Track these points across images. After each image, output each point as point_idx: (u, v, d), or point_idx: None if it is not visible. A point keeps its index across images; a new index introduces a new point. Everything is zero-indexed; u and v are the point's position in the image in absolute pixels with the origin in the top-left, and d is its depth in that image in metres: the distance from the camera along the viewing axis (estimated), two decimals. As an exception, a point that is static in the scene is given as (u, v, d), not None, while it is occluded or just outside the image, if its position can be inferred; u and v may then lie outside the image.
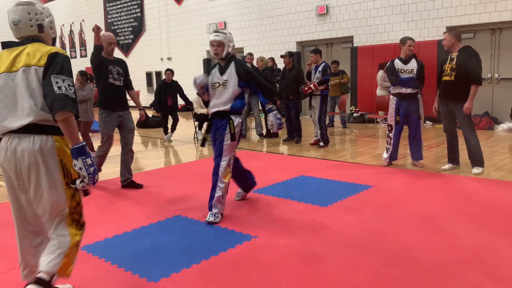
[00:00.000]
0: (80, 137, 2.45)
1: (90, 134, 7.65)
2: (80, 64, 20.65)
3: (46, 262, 2.29)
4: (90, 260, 3.24)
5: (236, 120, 4.04)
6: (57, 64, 2.24)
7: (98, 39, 5.04)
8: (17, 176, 2.33)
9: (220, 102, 4.05)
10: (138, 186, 5.40)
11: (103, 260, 3.22)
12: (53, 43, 2.50)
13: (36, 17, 2.35)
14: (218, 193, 4.00)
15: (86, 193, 2.47)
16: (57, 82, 2.20)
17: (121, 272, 3.02)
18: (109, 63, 5.21)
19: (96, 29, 5.02)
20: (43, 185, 2.30)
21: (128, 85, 5.43)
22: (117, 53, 18.87)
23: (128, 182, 5.42)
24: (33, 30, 2.35)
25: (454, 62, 5.27)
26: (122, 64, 5.39)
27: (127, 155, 5.36)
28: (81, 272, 3.03)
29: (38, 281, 2.24)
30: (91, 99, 7.46)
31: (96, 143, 6.91)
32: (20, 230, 2.55)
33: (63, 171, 2.33)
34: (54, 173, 2.30)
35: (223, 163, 4.03)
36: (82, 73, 7.48)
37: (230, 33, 4.08)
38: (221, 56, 4.01)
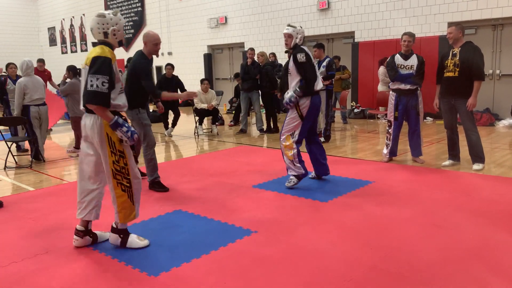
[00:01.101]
0: (110, 114, 3.02)
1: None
2: (80, 58, 20.61)
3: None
4: (91, 254, 3.24)
5: (301, 101, 4.59)
6: (94, 65, 2.96)
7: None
8: (87, 141, 3.23)
9: (290, 87, 4.69)
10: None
11: (104, 254, 3.23)
12: (120, 45, 3.23)
13: (103, 26, 3.09)
14: (286, 163, 4.79)
15: (133, 147, 3.23)
16: (91, 81, 2.92)
17: (121, 266, 3.02)
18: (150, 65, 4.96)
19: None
20: (99, 150, 3.12)
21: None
22: (118, 48, 18.84)
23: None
24: (101, 35, 3.11)
25: (457, 58, 5.24)
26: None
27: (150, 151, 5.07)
28: (82, 266, 3.04)
29: (112, 229, 3.31)
30: (72, 94, 7.10)
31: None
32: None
33: (108, 141, 3.07)
34: (103, 142, 3.08)
35: (281, 139, 4.76)
36: (69, 68, 7.40)
37: (301, 27, 4.65)
38: (290, 46, 4.63)
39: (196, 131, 9.25)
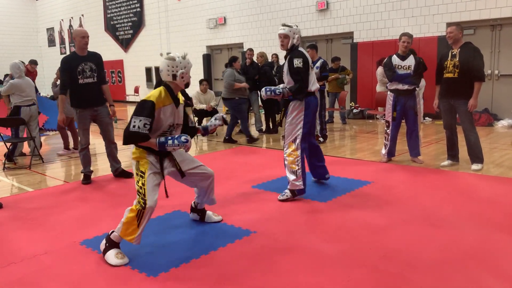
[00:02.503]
0: (153, 141, 3.14)
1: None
2: (79, 59, 20.59)
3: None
4: (90, 254, 3.24)
5: (294, 103, 4.36)
6: (139, 107, 3.11)
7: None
8: None
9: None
10: (129, 175, 5.55)
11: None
12: (187, 86, 3.36)
13: (173, 69, 3.24)
14: (287, 174, 4.42)
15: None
16: (134, 121, 3.06)
17: (120, 267, 3.01)
18: (80, 61, 5.13)
19: None
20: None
21: (101, 80, 5.31)
22: (117, 49, 18.86)
23: (119, 172, 5.61)
24: (169, 77, 3.26)
25: (457, 59, 5.24)
26: (96, 58, 5.29)
27: (110, 147, 5.53)
28: (81, 267, 3.04)
29: (108, 234, 3.25)
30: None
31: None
32: None
33: (136, 168, 3.22)
34: (134, 167, 3.26)
35: (284, 149, 4.47)
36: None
37: (297, 26, 4.37)
38: (286, 47, 4.34)
39: (195, 132, 9.22)
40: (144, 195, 3.12)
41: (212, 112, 9.20)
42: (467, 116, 5.33)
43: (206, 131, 3.66)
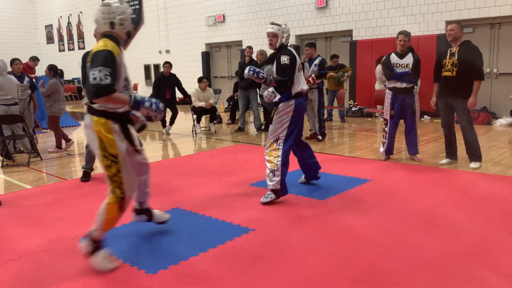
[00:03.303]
0: (126, 97, 2.85)
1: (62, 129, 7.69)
2: (77, 56, 20.56)
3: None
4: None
5: (283, 105, 4.25)
6: (94, 59, 2.76)
7: None
8: None
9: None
10: None
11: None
12: (129, 36, 2.94)
13: (109, 16, 2.87)
14: (266, 173, 4.28)
15: (150, 118, 3.07)
16: (93, 74, 2.71)
17: (119, 264, 3.02)
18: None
19: None
20: (94, 151, 2.92)
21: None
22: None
23: None
24: (106, 26, 2.89)
25: (456, 57, 5.24)
26: None
27: None
28: (80, 264, 3.03)
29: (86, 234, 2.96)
30: (53, 94, 7.23)
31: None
32: None
33: (99, 143, 2.84)
34: (95, 145, 2.87)
35: (266, 146, 4.37)
36: (49, 67, 7.43)
37: (286, 25, 4.27)
38: (275, 47, 4.24)
39: (194, 129, 9.24)
40: (121, 183, 2.86)
41: (211, 110, 9.20)
42: (465, 114, 5.34)
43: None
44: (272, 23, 4.22)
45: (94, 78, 2.69)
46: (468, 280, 2.68)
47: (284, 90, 4.19)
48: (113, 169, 2.85)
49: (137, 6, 17.79)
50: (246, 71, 4.17)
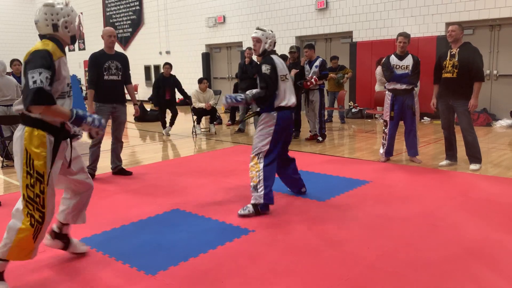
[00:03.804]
0: (67, 111, 2.56)
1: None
2: (78, 57, 20.58)
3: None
4: (88, 253, 3.24)
5: (265, 117, 4.02)
6: (32, 59, 2.47)
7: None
8: None
9: None
10: (128, 173, 5.67)
11: (101, 253, 3.23)
12: (73, 40, 2.76)
13: (52, 17, 2.63)
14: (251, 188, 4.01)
15: (91, 136, 2.81)
16: (32, 77, 2.39)
17: (119, 265, 3.02)
18: (107, 58, 5.31)
19: None
20: (16, 166, 2.62)
21: (126, 79, 5.54)
22: (116, 47, 18.78)
23: (118, 169, 5.69)
24: (49, 29, 2.64)
25: (456, 59, 5.24)
26: (122, 58, 5.50)
27: (117, 145, 5.61)
28: (79, 265, 3.04)
29: None
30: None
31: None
32: None
33: (25, 158, 2.53)
34: (19, 160, 2.56)
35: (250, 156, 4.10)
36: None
37: (271, 31, 4.10)
38: (258, 52, 4.07)
39: (194, 130, 9.24)
40: (43, 206, 2.55)
41: (211, 111, 9.20)
42: (465, 116, 5.34)
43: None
44: (257, 28, 4.07)
45: (34, 81, 2.37)
46: (468, 282, 2.68)
47: (265, 105, 4.00)
48: (36, 189, 2.53)
49: (138, 7, 17.80)
50: (223, 101, 4.09)
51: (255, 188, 3.93)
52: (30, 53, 2.53)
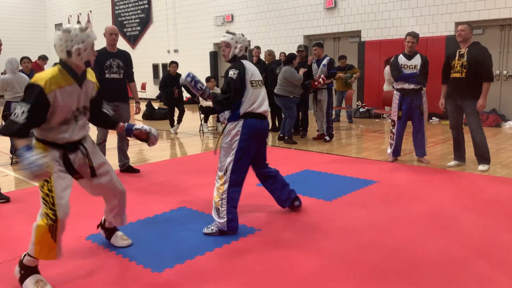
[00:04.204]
0: (20, 142, 2.51)
1: None
2: (87, 55, 20.66)
3: None
4: (95, 249, 3.27)
5: (230, 125, 3.59)
6: (25, 91, 2.58)
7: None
8: None
9: None
10: (135, 171, 5.69)
11: (108, 250, 3.25)
12: (87, 65, 2.75)
13: (66, 44, 2.62)
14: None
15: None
16: (16, 108, 2.56)
17: (125, 262, 3.04)
18: (109, 57, 5.31)
19: None
20: None
21: (128, 77, 5.53)
22: (124, 45, 18.90)
23: (126, 167, 5.71)
24: (63, 54, 2.64)
25: (465, 59, 5.21)
26: (124, 56, 5.49)
27: (122, 143, 5.65)
28: (86, 262, 3.06)
29: (21, 259, 2.77)
30: None
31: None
32: None
33: None
34: None
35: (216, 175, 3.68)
36: (42, 57, 7.57)
37: (242, 35, 3.70)
38: (228, 58, 3.68)
39: (201, 129, 9.27)
40: (53, 204, 2.64)
41: (218, 109, 9.19)
42: (474, 116, 5.30)
43: (129, 132, 3.07)
44: (227, 32, 3.69)
45: (15, 114, 2.51)
46: (475, 283, 2.66)
47: (223, 109, 3.60)
48: (45, 189, 2.64)
49: (146, 5, 17.86)
50: (183, 76, 3.67)
51: (217, 212, 3.51)
52: (29, 83, 2.59)
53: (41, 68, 10.62)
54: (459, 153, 5.68)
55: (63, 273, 2.89)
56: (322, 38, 12.37)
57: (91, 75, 2.85)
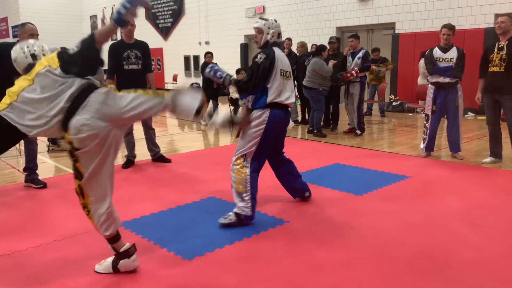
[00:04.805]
0: None
1: None
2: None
3: None
4: (128, 236, 3.35)
5: (256, 113, 3.55)
6: None
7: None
8: None
9: None
10: (167, 161, 5.77)
11: (140, 236, 3.33)
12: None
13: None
14: (233, 194, 3.62)
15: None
16: None
17: (157, 249, 3.11)
18: (126, 48, 5.34)
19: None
20: None
21: (146, 68, 5.52)
22: (157, 37, 19.15)
23: (157, 156, 5.80)
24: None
25: (504, 52, 5.03)
26: (142, 47, 5.49)
27: (149, 133, 5.71)
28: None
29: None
30: (101, 81, 7.58)
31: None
32: None
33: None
34: None
35: (232, 160, 3.65)
36: None
37: (275, 20, 3.71)
38: (260, 44, 3.67)
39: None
40: (80, 195, 2.71)
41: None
42: (512, 112, 5.13)
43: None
44: (260, 18, 3.69)
45: None
46: (506, 284, 2.59)
47: (245, 93, 3.57)
48: (76, 182, 2.65)
49: (179, -3, 17.99)
50: (207, 70, 3.70)
51: (240, 196, 3.50)
52: None
53: None
54: (495, 149, 5.51)
55: (97, 257, 2.97)
56: (355, 30, 12.16)
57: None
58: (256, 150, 3.55)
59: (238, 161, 3.56)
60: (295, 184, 4.04)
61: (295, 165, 4.06)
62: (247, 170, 3.54)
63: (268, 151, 3.70)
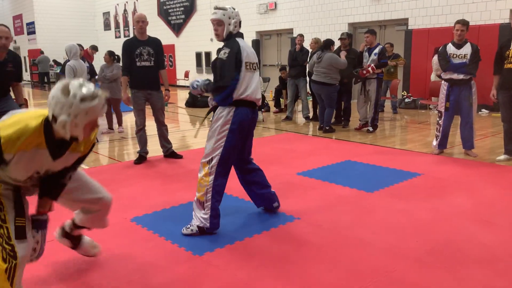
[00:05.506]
0: None
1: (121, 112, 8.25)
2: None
3: None
4: (139, 231, 3.38)
5: (220, 112, 3.28)
6: None
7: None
8: None
9: None
10: (178, 157, 5.80)
11: (151, 232, 3.36)
12: (74, 140, 2.19)
13: (54, 108, 2.03)
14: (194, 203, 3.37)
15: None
16: None
17: (168, 244, 3.13)
18: (139, 45, 5.37)
19: None
20: None
21: (159, 64, 5.51)
22: (168, 33, 19.22)
23: (169, 152, 5.82)
24: (50, 116, 2.08)
25: None
26: (155, 44, 5.50)
27: (161, 129, 5.73)
28: (131, 242, 3.18)
29: None
30: (119, 78, 7.67)
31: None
32: None
33: None
34: None
35: (201, 161, 3.36)
36: (110, 53, 7.95)
37: (234, 8, 3.36)
38: (222, 37, 3.33)
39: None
40: (9, 238, 2.11)
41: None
42: (528, 109, 5.05)
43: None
44: (216, 7, 3.32)
45: None
46: (522, 282, 2.56)
47: (220, 96, 3.25)
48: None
49: (191, -6, 18.02)
50: (191, 88, 3.47)
51: (201, 205, 3.26)
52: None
53: (91, 58, 10.99)
54: (510, 147, 5.43)
55: (108, 252, 3.01)
56: (367, 26, 12.05)
57: (81, 147, 2.27)
58: (221, 154, 3.24)
59: (206, 168, 3.26)
60: (258, 195, 3.68)
61: (263, 173, 3.71)
62: (210, 178, 3.24)
63: (235, 154, 3.37)
